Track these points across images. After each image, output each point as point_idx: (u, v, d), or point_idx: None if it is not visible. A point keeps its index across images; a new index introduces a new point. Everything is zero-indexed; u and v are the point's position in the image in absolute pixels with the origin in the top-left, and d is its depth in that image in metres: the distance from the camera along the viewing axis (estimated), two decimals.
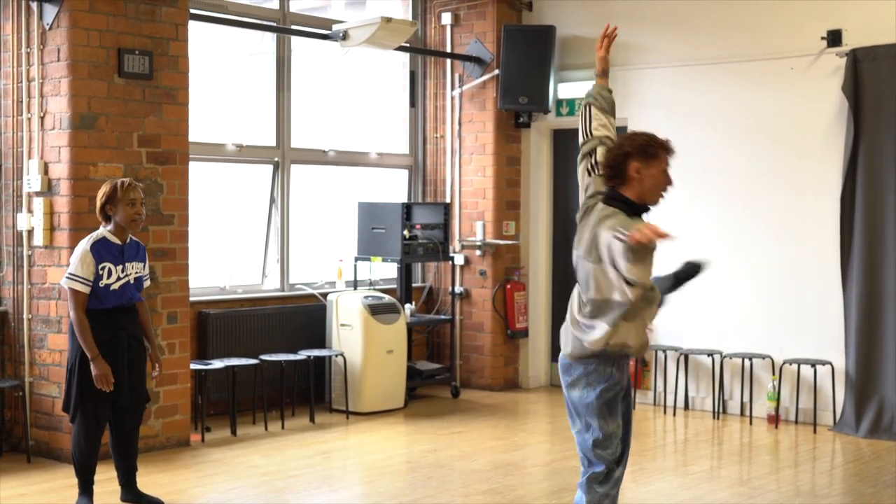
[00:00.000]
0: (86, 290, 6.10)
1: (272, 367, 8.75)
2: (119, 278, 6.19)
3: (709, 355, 9.28)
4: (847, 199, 8.65)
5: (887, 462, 7.70)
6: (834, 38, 8.73)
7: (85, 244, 6.17)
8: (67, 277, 6.13)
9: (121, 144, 7.51)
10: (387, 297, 9.46)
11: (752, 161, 9.24)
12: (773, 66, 9.08)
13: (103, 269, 6.13)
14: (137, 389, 6.36)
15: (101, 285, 6.12)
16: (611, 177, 4.72)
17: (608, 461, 4.73)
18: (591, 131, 4.98)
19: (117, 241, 6.22)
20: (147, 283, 6.48)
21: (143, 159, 7.64)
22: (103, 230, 6.24)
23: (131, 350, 6.28)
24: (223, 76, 9.34)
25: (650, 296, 4.63)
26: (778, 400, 8.90)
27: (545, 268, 10.66)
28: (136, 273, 6.30)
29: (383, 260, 9.73)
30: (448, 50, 10.53)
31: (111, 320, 6.21)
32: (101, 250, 6.15)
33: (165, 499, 6.56)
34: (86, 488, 6.34)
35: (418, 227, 9.84)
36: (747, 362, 9.13)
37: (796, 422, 8.93)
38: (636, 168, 4.65)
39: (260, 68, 9.58)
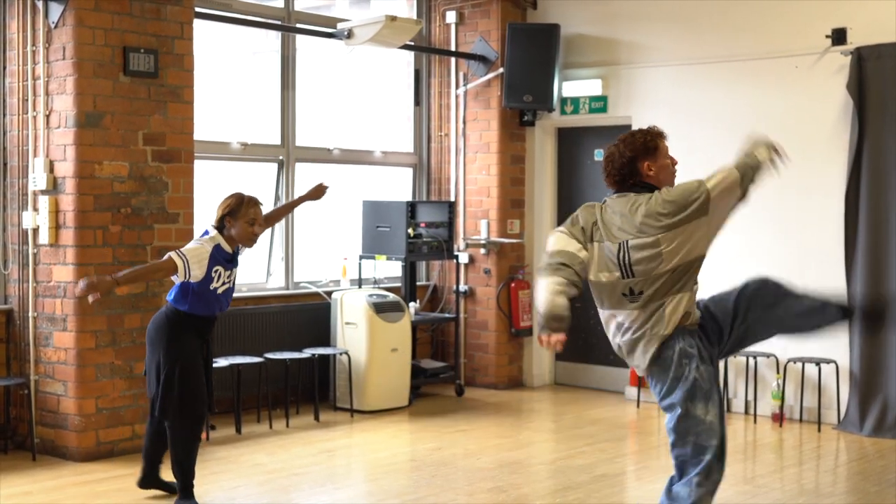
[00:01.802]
0: (180, 274, 6.02)
1: (277, 366, 8.76)
2: (224, 283, 6.26)
3: None
4: (851, 198, 8.65)
5: (891, 460, 7.70)
6: (838, 36, 8.73)
7: (208, 246, 6.13)
8: (177, 251, 6.07)
9: (126, 143, 7.52)
10: (391, 296, 9.47)
11: None
12: (778, 64, 9.08)
13: (216, 272, 6.18)
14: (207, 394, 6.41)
15: (210, 287, 6.16)
16: (624, 179, 4.89)
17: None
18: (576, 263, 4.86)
19: (228, 249, 6.26)
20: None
21: (149, 157, 7.65)
22: (219, 236, 6.23)
23: (209, 354, 6.42)
24: (228, 75, 9.35)
25: None
26: (782, 398, 8.90)
27: None
28: (234, 280, 6.37)
29: (388, 258, 9.74)
30: (452, 48, 10.54)
31: (205, 328, 6.30)
32: (217, 254, 6.18)
33: (170, 497, 6.57)
34: (190, 492, 6.30)
35: (423, 225, 9.84)
36: (751, 361, 9.13)
37: (800, 420, 8.93)
38: (648, 166, 4.90)
39: (265, 67, 9.59)
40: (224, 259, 6.22)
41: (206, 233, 6.27)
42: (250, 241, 6.32)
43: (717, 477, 4.83)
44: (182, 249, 6.12)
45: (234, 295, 8.96)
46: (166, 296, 6.43)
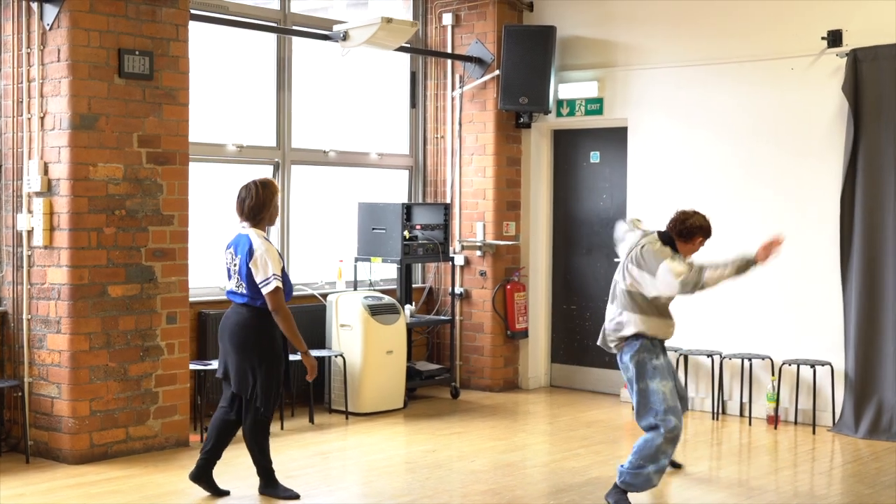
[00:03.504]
0: (281, 285, 6.34)
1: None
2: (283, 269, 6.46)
3: (708, 356, 9.28)
4: (847, 200, 8.66)
5: (886, 463, 7.70)
6: (834, 38, 8.73)
7: (263, 243, 6.36)
8: (272, 281, 6.29)
9: (121, 145, 7.52)
10: (387, 298, 9.47)
11: (752, 161, 9.24)
12: (774, 66, 9.09)
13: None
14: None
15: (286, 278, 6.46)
16: (681, 236, 6.69)
17: None
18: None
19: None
20: None
21: (143, 160, 7.65)
22: (258, 229, 6.47)
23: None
24: (223, 77, 9.34)
25: None
26: (777, 401, 8.91)
27: (545, 268, 10.67)
28: None
29: (383, 260, 9.73)
30: (449, 50, 10.54)
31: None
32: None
33: (164, 499, 6.58)
34: (273, 477, 6.66)
35: (418, 227, 9.84)
36: (747, 363, 9.13)
37: (795, 422, 8.93)
38: (701, 241, 6.75)
39: (260, 69, 9.58)
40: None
41: (246, 238, 6.43)
42: (275, 220, 6.65)
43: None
44: (269, 266, 6.31)
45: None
46: (237, 299, 6.52)
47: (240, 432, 6.66)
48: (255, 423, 6.53)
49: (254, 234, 6.41)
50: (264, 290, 6.33)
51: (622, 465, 6.50)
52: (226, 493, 6.66)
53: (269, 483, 6.65)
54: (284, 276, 6.42)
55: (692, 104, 9.56)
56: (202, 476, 6.65)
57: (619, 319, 6.59)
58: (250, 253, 6.37)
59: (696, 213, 6.72)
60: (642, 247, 6.55)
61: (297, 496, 6.60)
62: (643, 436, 6.47)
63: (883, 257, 8.51)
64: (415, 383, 9.77)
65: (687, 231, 6.64)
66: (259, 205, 6.43)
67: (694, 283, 6.32)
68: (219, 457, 6.72)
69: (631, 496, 6.50)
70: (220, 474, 7.07)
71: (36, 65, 7.44)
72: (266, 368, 6.46)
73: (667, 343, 9.02)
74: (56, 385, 7.38)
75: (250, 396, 6.48)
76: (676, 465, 7.45)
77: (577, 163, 10.49)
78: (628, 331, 6.55)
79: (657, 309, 6.60)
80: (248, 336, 6.45)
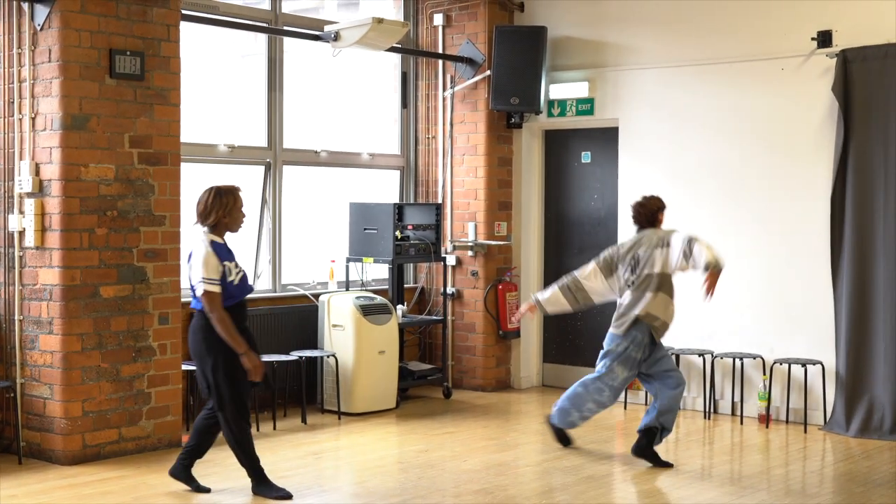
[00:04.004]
0: (219, 289, 6.37)
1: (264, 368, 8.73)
2: (237, 274, 6.51)
3: (700, 355, 9.30)
4: (837, 199, 8.68)
5: (877, 461, 7.72)
6: (824, 38, 8.76)
7: (204, 248, 6.41)
8: (201, 282, 6.35)
9: (112, 145, 7.51)
10: (378, 298, 9.47)
11: (742, 161, 9.26)
12: (764, 66, 9.11)
13: (225, 268, 6.45)
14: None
15: (227, 282, 6.43)
16: (649, 221, 7.66)
17: None
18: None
19: (221, 241, 6.54)
20: None
21: (135, 160, 7.64)
22: (210, 234, 6.50)
23: (251, 342, 6.61)
24: (215, 77, 9.34)
25: None
26: (769, 399, 8.93)
27: (537, 268, 10.68)
28: (242, 267, 6.61)
29: (375, 261, 9.74)
30: (440, 51, 10.54)
31: (239, 314, 6.53)
32: (219, 251, 6.45)
33: (157, 499, 6.57)
34: (262, 475, 6.65)
35: (410, 227, 9.85)
36: (738, 362, 9.15)
37: (787, 421, 8.95)
38: (664, 215, 7.70)
39: (252, 69, 9.58)
40: (226, 253, 6.51)
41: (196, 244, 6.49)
42: (241, 226, 6.65)
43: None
44: (200, 271, 6.36)
45: None
46: (193, 303, 6.58)
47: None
48: (225, 423, 6.54)
49: (199, 240, 6.49)
50: (196, 295, 6.44)
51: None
52: (206, 490, 6.69)
53: (259, 482, 6.66)
54: (225, 280, 6.41)
55: (683, 104, 9.58)
56: (181, 473, 6.73)
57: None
58: (190, 258, 6.51)
59: (649, 200, 7.73)
60: (650, 238, 7.59)
61: (289, 496, 6.60)
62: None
63: (873, 257, 8.53)
64: (407, 383, 9.78)
65: (653, 216, 7.67)
66: (206, 211, 6.50)
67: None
68: (199, 456, 6.77)
69: (619, 495, 6.50)
70: (213, 475, 7.08)
71: (27, 65, 7.43)
72: (222, 371, 6.44)
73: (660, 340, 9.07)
74: (48, 386, 7.37)
75: (210, 398, 6.53)
76: (666, 465, 7.52)
77: (569, 163, 10.50)
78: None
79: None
80: (199, 340, 6.49)
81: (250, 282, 6.89)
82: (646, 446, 7.56)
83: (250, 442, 6.64)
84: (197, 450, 6.74)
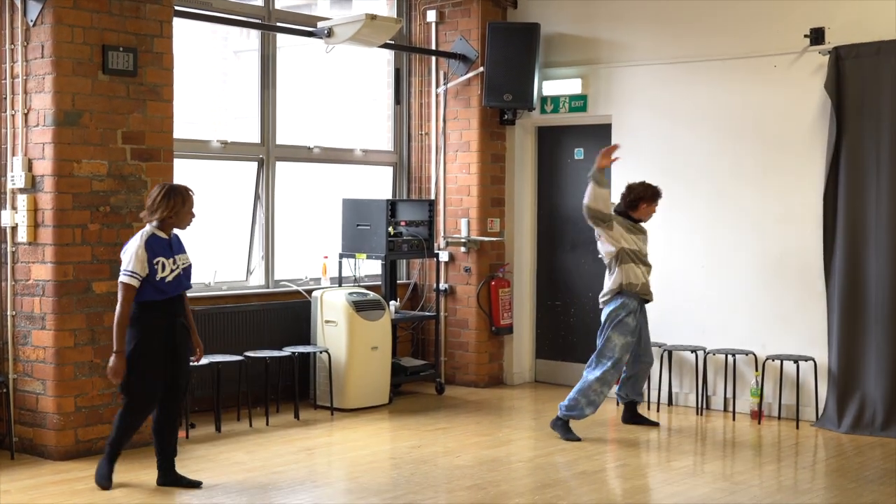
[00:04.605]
0: (136, 284, 6.50)
1: (257, 364, 8.75)
2: (172, 270, 6.61)
3: (692, 351, 9.32)
4: (829, 196, 8.69)
5: (869, 457, 7.74)
6: (817, 36, 8.77)
7: (138, 241, 6.55)
8: (123, 272, 6.50)
9: (105, 141, 7.51)
10: (371, 294, 9.47)
11: (735, 158, 9.27)
12: (757, 63, 9.12)
13: (157, 263, 6.56)
14: (183, 377, 6.77)
15: (157, 279, 6.53)
16: (628, 207, 8.38)
17: None
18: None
19: (164, 236, 6.65)
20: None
21: (128, 156, 7.64)
22: (151, 227, 6.64)
23: (180, 339, 6.71)
24: (208, 73, 9.34)
25: None
26: (761, 396, 8.94)
27: (529, 264, 10.69)
28: (184, 263, 6.73)
29: (368, 257, 9.74)
30: (433, 47, 10.54)
31: (170, 309, 6.65)
32: (154, 246, 6.57)
33: (149, 495, 6.57)
34: (112, 459, 6.75)
35: (403, 223, 9.85)
36: (731, 358, 9.17)
37: (779, 417, 8.97)
38: (646, 206, 8.37)
39: (245, 65, 9.58)
40: (163, 249, 6.62)
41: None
42: (188, 225, 6.79)
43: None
44: (124, 261, 6.52)
45: (215, 293, 9.08)
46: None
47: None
48: (126, 408, 6.67)
49: (141, 232, 6.66)
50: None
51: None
52: (198, 485, 6.75)
53: (106, 462, 6.74)
54: (154, 276, 6.51)
55: (676, 101, 9.59)
56: (167, 478, 6.77)
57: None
58: (125, 246, 6.69)
59: (637, 185, 8.36)
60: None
61: (108, 488, 6.66)
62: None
63: (865, 253, 8.55)
64: (400, 379, 9.79)
65: (632, 203, 8.32)
66: (153, 207, 6.64)
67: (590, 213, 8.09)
68: (166, 453, 6.77)
69: (612, 490, 6.52)
70: (204, 470, 7.09)
71: (19, 61, 7.42)
72: (134, 361, 6.53)
73: (653, 338, 9.17)
74: (41, 381, 7.37)
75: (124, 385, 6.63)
76: (653, 423, 8.66)
77: (562, 159, 10.51)
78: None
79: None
80: (129, 329, 6.58)
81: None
82: (634, 413, 8.71)
83: (128, 435, 6.72)
84: (160, 449, 6.78)
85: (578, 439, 8.18)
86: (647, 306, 8.51)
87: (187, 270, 6.77)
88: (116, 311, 6.52)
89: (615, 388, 8.58)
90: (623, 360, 8.27)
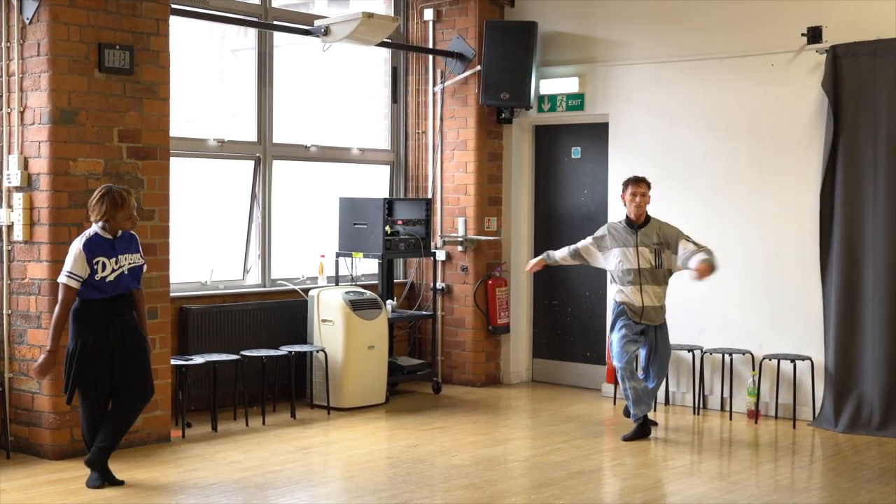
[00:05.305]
0: (76, 285, 6.53)
1: (253, 363, 8.74)
2: (114, 270, 6.64)
3: (689, 351, 9.31)
4: (826, 195, 8.69)
5: (866, 457, 7.74)
6: (814, 34, 8.77)
7: (78, 243, 6.60)
8: (64, 274, 6.56)
9: (101, 139, 7.49)
10: (368, 293, 9.46)
11: (732, 156, 9.27)
12: (754, 62, 9.12)
13: (97, 263, 6.58)
14: (136, 375, 6.73)
15: (97, 278, 6.55)
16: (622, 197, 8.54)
17: None
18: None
19: (108, 236, 6.66)
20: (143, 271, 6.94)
21: (124, 154, 7.62)
22: (95, 227, 6.67)
23: (127, 337, 6.69)
24: (204, 71, 9.32)
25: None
26: (758, 395, 8.94)
27: (526, 263, 10.67)
28: (131, 263, 6.74)
29: (365, 256, 9.73)
30: (430, 46, 10.53)
31: (109, 308, 6.66)
32: (94, 247, 6.59)
33: (146, 495, 6.56)
34: (100, 466, 6.74)
35: (400, 222, 9.84)
36: (727, 357, 9.16)
37: (776, 417, 8.97)
38: (631, 192, 8.35)
39: (241, 64, 9.56)
40: (103, 249, 6.64)
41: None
42: (133, 226, 6.84)
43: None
44: (66, 268, 6.57)
45: (211, 292, 9.06)
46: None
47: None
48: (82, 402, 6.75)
49: (84, 233, 6.70)
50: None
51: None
52: (120, 483, 6.72)
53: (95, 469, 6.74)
54: (94, 276, 6.55)
55: (673, 100, 9.58)
56: (103, 477, 6.75)
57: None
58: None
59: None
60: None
61: (100, 487, 6.65)
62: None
63: (862, 252, 8.55)
64: (396, 378, 9.78)
65: (622, 191, 8.43)
66: (90, 207, 6.71)
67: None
68: (102, 443, 6.71)
69: (608, 490, 6.50)
70: (200, 469, 7.08)
71: (15, 59, 7.40)
72: (72, 358, 6.61)
73: None
74: (36, 381, 7.35)
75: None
76: (651, 422, 8.46)
77: (559, 158, 10.50)
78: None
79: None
80: (71, 327, 6.66)
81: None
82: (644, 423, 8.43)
83: (90, 432, 6.72)
84: (101, 439, 6.75)
85: (655, 423, 8.58)
86: None
87: (134, 270, 6.76)
88: (56, 311, 6.60)
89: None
90: (625, 352, 8.26)
